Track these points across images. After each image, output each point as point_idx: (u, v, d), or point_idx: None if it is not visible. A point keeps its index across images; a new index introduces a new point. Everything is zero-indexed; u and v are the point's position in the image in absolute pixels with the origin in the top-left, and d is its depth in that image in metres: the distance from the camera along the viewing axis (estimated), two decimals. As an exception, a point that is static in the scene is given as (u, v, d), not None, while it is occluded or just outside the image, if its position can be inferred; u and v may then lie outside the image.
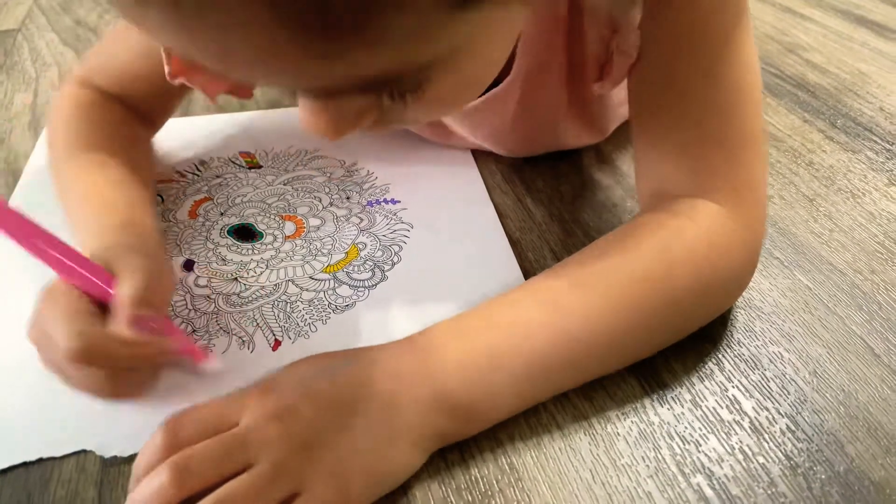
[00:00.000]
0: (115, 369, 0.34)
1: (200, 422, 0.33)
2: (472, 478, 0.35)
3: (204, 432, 0.33)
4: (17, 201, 0.53)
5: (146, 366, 0.37)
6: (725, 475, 0.35)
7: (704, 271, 0.39)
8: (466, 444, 0.36)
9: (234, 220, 0.52)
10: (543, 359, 0.36)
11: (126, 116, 0.52)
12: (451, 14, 0.24)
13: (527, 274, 0.47)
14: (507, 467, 0.35)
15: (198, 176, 0.56)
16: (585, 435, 0.37)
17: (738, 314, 0.44)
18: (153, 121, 0.55)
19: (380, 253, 0.49)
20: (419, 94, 0.29)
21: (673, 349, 0.40)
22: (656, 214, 0.41)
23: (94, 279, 0.36)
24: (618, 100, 0.54)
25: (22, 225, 0.36)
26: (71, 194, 0.46)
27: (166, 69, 0.44)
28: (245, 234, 0.50)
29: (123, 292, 0.35)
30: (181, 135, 0.61)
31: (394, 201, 0.54)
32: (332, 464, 0.32)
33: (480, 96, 0.48)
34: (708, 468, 0.35)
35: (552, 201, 0.54)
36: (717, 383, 0.40)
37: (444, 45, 0.26)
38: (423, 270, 0.47)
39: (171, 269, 0.41)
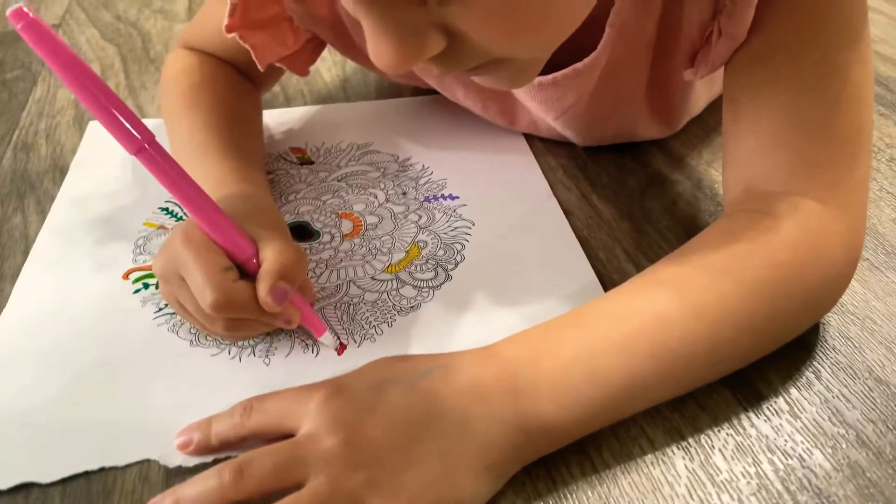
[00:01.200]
0: (240, 320, 0.37)
1: (267, 414, 0.33)
2: (560, 494, 0.33)
3: (267, 426, 0.33)
4: (64, 196, 0.52)
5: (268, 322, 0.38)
6: (836, 494, 0.32)
7: (808, 275, 0.36)
8: (551, 457, 0.34)
9: (290, 218, 0.50)
10: (644, 375, 0.33)
11: (232, 73, 0.53)
12: None
13: (599, 275, 0.44)
14: (596, 482, 0.33)
15: (248, 172, 0.55)
16: (678, 448, 0.34)
17: (831, 319, 0.41)
18: (257, 85, 0.55)
19: (442, 252, 0.47)
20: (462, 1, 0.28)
21: (766, 357, 0.38)
22: (752, 214, 0.38)
23: (238, 241, 0.37)
24: (694, 94, 0.52)
25: (173, 169, 0.35)
26: (187, 147, 0.47)
27: (224, 22, 0.44)
28: (302, 233, 0.48)
29: (269, 264, 0.36)
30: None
31: (452, 197, 0.52)
32: (394, 489, 0.30)
33: (562, 70, 0.46)
34: (815, 486, 0.33)
35: (619, 197, 0.51)
36: (816, 393, 0.37)
37: None
38: (490, 270, 0.45)
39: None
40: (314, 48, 0.50)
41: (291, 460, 0.30)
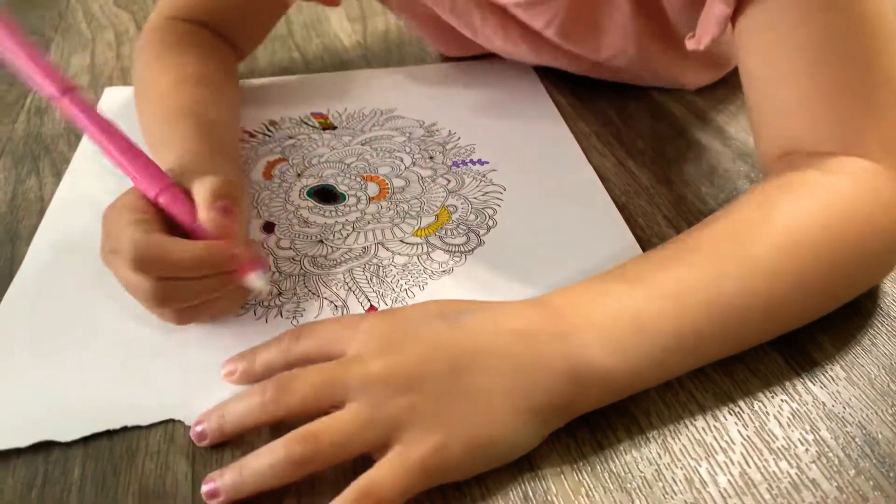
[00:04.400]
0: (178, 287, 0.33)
1: (315, 338, 0.32)
2: (607, 457, 0.31)
3: (315, 349, 0.32)
4: (80, 158, 0.50)
5: (209, 291, 0.34)
6: (901, 462, 0.30)
7: (868, 232, 0.34)
8: (595, 419, 0.32)
9: (313, 182, 0.48)
10: (694, 324, 0.31)
11: (211, 36, 0.51)
12: None
13: (639, 240, 0.42)
14: (644, 446, 0.31)
15: (269, 136, 0.53)
16: (731, 414, 0.33)
17: (886, 285, 0.39)
18: (240, 48, 0.54)
19: (473, 216, 0.45)
20: None
21: (818, 321, 0.36)
22: (804, 171, 0.36)
23: (153, 174, 0.35)
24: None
25: (102, 125, 0.35)
26: (149, 105, 0.45)
27: None
28: (326, 195, 0.47)
29: (202, 185, 0.34)
30: (247, 96, 0.58)
31: (481, 162, 0.50)
32: (432, 418, 0.28)
33: None
34: (879, 453, 0.31)
35: (656, 164, 0.49)
36: (873, 359, 0.35)
37: None
38: (524, 235, 0.43)
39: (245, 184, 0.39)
40: None
41: (334, 379, 0.29)
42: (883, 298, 0.38)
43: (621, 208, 0.45)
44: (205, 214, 0.33)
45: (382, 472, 0.27)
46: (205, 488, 0.29)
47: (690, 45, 0.41)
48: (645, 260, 0.34)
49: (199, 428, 0.31)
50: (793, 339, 0.36)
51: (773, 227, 0.33)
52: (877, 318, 0.37)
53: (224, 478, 0.28)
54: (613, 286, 0.33)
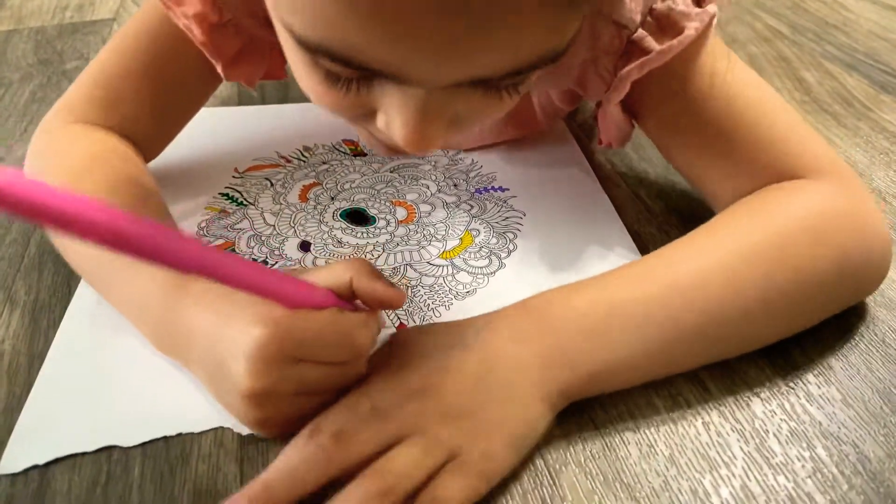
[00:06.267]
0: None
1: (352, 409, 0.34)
2: (619, 470, 0.34)
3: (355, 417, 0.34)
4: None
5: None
6: (890, 479, 0.33)
7: (841, 238, 0.38)
8: (609, 434, 0.35)
9: (346, 205, 0.51)
10: (662, 304, 0.35)
11: (131, 156, 0.46)
12: None
13: (650, 265, 0.45)
14: (653, 460, 0.34)
15: (304, 161, 0.56)
16: (733, 431, 0.35)
17: (881, 311, 0.42)
18: (153, 149, 0.51)
19: (494, 240, 0.48)
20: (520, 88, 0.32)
21: (817, 344, 0.39)
22: (776, 190, 0.40)
23: (311, 288, 0.33)
24: None
25: (229, 262, 0.29)
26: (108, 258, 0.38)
27: (218, 67, 0.43)
28: (358, 217, 0.50)
29: (361, 273, 0.34)
30: (282, 121, 0.62)
31: (502, 189, 0.53)
32: (475, 430, 0.33)
33: None
34: (870, 470, 0.33)
35: (668, 193, 0.52)
36: (868, 383, 0.38)
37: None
38: (543, 259, 0.46)
39: None
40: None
41: (387, 425, 0.32)
42: (878, 325, 0.41)
43: (634, 235, 0.48)
44: (394, 293, 0.34)
45: (445, 483, 0.31)
46: None
47: (602, 147, 0.49)
48: (618, 267, 0.39)
49: None
50: (791, 362, 0.38)
51: (744, 232, 0.38)
52: (871, 344, 0.40)
53: None
54: (588, 283, 0.38)
